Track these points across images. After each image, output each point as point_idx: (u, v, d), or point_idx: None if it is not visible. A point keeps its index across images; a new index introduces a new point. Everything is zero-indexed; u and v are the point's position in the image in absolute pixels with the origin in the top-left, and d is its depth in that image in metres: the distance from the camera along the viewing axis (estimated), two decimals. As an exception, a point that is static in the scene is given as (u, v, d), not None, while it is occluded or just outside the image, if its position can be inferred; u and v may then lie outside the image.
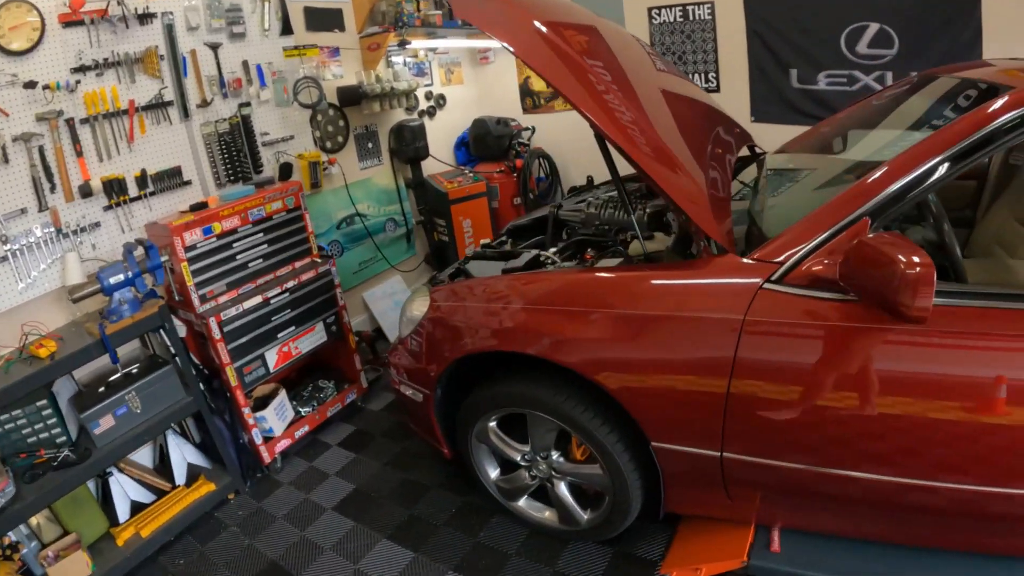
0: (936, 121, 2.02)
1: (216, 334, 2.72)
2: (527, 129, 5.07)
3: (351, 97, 3.88)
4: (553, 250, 2.71)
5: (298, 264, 3.15)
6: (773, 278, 1.69)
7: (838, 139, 2.68)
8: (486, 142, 4.94)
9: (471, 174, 4.81)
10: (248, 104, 3.32)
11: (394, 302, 4.49)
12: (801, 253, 1.67)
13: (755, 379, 1.71)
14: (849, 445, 1.67)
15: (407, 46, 4.07)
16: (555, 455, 2.28)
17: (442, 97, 4.93)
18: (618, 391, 1.90)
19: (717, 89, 4.45)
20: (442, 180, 4.65)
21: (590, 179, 5.39)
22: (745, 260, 1.75)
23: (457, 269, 2.66)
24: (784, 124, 4.10)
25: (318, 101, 3.49)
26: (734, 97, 4.39)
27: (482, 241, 3.06)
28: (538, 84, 5.17)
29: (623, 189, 2.20)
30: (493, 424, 2.34)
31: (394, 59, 4.29)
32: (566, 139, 5.23)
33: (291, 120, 3.60)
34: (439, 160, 4.82)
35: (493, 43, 5.05)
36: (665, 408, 1.87)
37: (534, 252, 2.57)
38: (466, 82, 5.23)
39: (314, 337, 3.19)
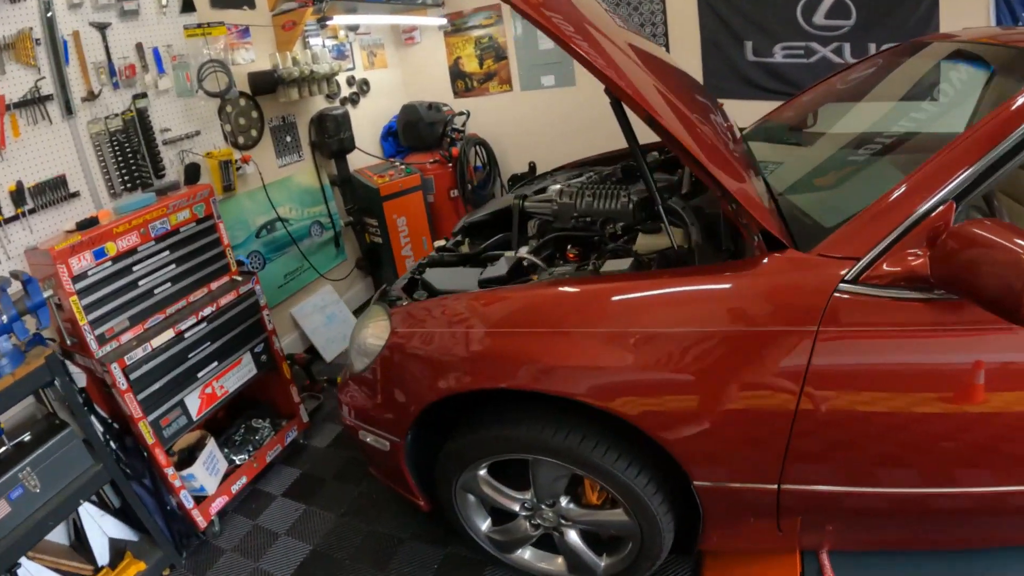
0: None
1: (121, 383, 2.20)
2: (461, 114, 4.69)
3: (265, 84, 3.36)
4: (525, 250, 2.36)
5: (215, 285, 2.65)
6: (849, 277, 1.41)
7: (842, 112, 2.47)
8: (417, 130, 4.52)
9: (403, 166, 4.40)
10: (144, 95, 2.78)
11: (327, 316, 4.02)
12: (883, 246, 1.40)
13: (830, 400, 1.45)
14: (943, 464, 1.49)
15: (327, 23, 3.57)
16: (564, 501, 1.95)
17: (365, 82, 4.47)
18: (654, 428, 1.59)
19: (665, 65, 4.22)
20: (371, 175, 4.21)
21: (532, 165, 5.10)
22: (810, 257, 1.47)
23: (412, 280, 2.27)
24: (739, 99, 3.95)
25: (227, 89, 2.96)
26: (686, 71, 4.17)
27: (437, 243, 2.66)
28: (470, 65, 4.79)
29: (646, 167, 1.83)
30: (483, 473, 1.98)
31: (312, 40, 3.78)
32: (503, 123, 4.91)
33: (196, 113, 3.06)
34: (366, 153, 4.36)
35: (419, 20, 4.62)
36: (713, 443, 1.58)
37: (512, 256, 2.21)
38: (390, 65, 4.81)
39: (241, 371, 2.71)
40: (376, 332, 1.94)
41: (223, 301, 2.60)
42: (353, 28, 4.21)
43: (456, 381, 1.76)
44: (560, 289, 1.71)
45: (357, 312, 4.39)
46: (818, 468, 1.57)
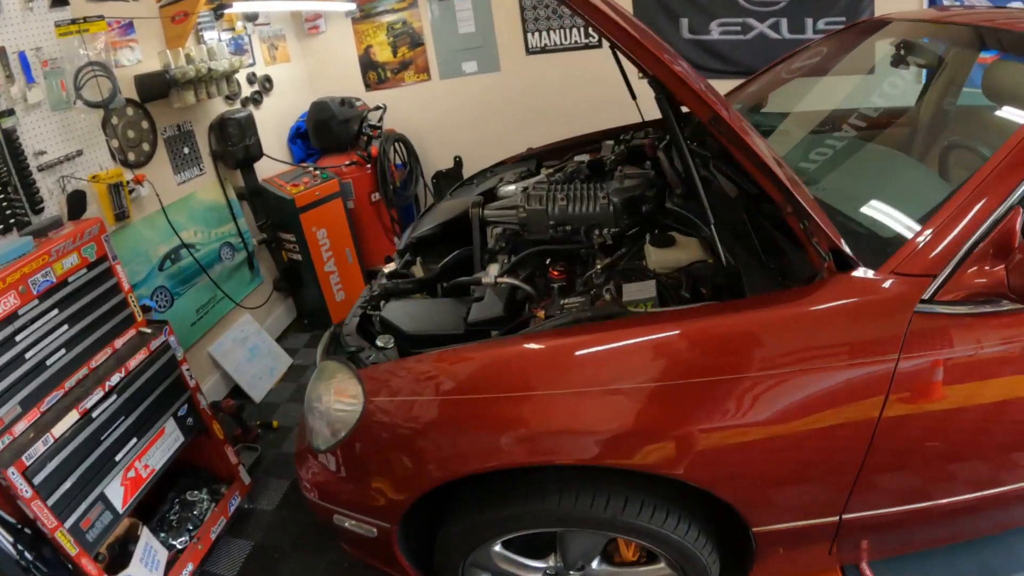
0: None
1: (24, 490, 1.72)
2: (377, 108, 4.27)
3: (156, 87, 2.83)
4: (494, 270, 2.06)
5: (120, 343, 2.16)
6: (926, 297, 1.29)
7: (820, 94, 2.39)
8: (330, 129, 4.09)
9: (318, 171, 3.96)
10: (11, 112, 2.21)
11: (249, 350, 3.55)
12: (956, 260, 1.30)
13: (906, 429, 1.37)
14: (1000, 469, 1.51)
15: (224, 12, 3.07)
16: (596, 563, 1.72)
17: (268, 79, 3.97)
18: (718, 486, 1.42)
19: (599, 44, 4.01)
20: (283, 184, 3.76)
21: (457, 160, 4.77)
22: (887, 277, 1.33)
23: (365, 316, 1.93)
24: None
25: (111, 97, 2.43)
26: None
27: (386, 269, 2.27)
28: (382, 54, 4.38)
29: (686, 153, 1.53)
30: (499, 548, 1.70)
31: (207, 34, 3.25)
32: (422, 116, 4.57)
33: (76, 128, 2.51)
34: (275, 159, 3.89)
35: (323, 6, 4.15)
36: (780, 491, 1.45)
37: (499, 284, 1.90)
38: (294, 58, 4.33)
39: (167, 443, 2.26)
40: (344, 399, 1.56)
41: (133, 363, 2.13)
42: (252, 18, 3.69)
43: (462, 463, 1.46)
44: (605, 345, 1.42)
45: (281, 340, 3.93)
46: (883, 495, 1.49)
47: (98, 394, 1.99)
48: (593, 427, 1.36)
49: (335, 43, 4.45)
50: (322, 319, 4.05)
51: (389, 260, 2.42)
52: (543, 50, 4.22)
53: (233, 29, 3.52)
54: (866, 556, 1.75)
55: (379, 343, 1.72)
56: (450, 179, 4.83)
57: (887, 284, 1.32)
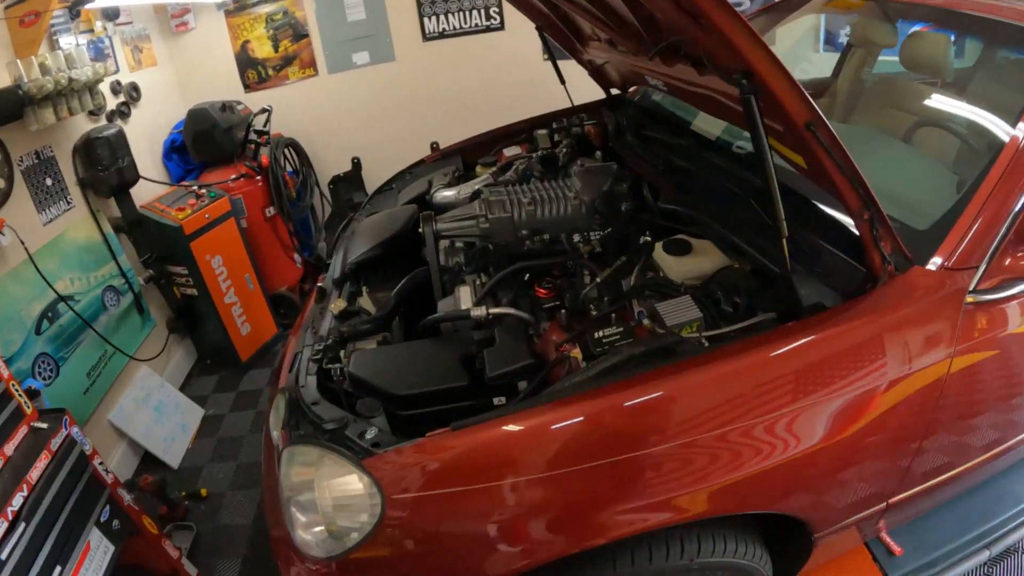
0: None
1: None
2: (264, 111, 3.79)
3: (7, 107, 2.27)
4: (467, 294, 1.82)
5: (10, 448, 1.69)
6: (972, 287, 1.35)
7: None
8: (212, 139, 3.59)
9: (203, 190, 3.46)
10: None
11: (154, 409, 3.07)
12: (993, 248, 1.36)
13: (956, 411, 1.45)
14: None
15: (80, 8, 2.53)
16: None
17: (135, 88, 3.43)
18: (793, 509, 1.39)
19: (501, 26, 3.82)
20: (166, 209, 3.26)
21: (356, 162, 4.39)
22: (941, 272, 1.35)
23: (321, 370, 1.61)
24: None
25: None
26: (522, 35, 3.84)
27: (334, 309, 1.88)
28: (262, 49, 3.91)
29: (769, 162, 1.26)
30: None
31: (62, 39, 2.68)
32: (311, 116, 4.22)
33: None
34: (153, 181, 3.34)
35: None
36: (843, 490, 1.43)
37: (494, 314, 1.65)
38: (162, 62, 3.82)
39: (96, 558, 1.84)
40: (349, 500, 1.25)
41: (35, 473, 1.67)
42: (112, 16, 3.12)
43: (529, 555, 1.23)
44: (704, 387, 1.26)
45: (186, 388, 3.45)
46: (923, 475, 1.54)
47: (1, 525, 1.54)
48: (708, 478, 1.23)
49: (207, 40, 3.99)
50: (228, 357, 3.59)
51: (322, 293, 2.04)
52: (442, 35, 3.97)
53: (92, 31, 2.94)
54: (885, 527, 1.78)
55: (359, 410, 1.39)
56: (350, 184, 4.47)
57: (941, 280, 1.34)
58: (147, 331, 3.25)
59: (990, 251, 1.35)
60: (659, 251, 1.78)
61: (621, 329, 1.53)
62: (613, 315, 1.64)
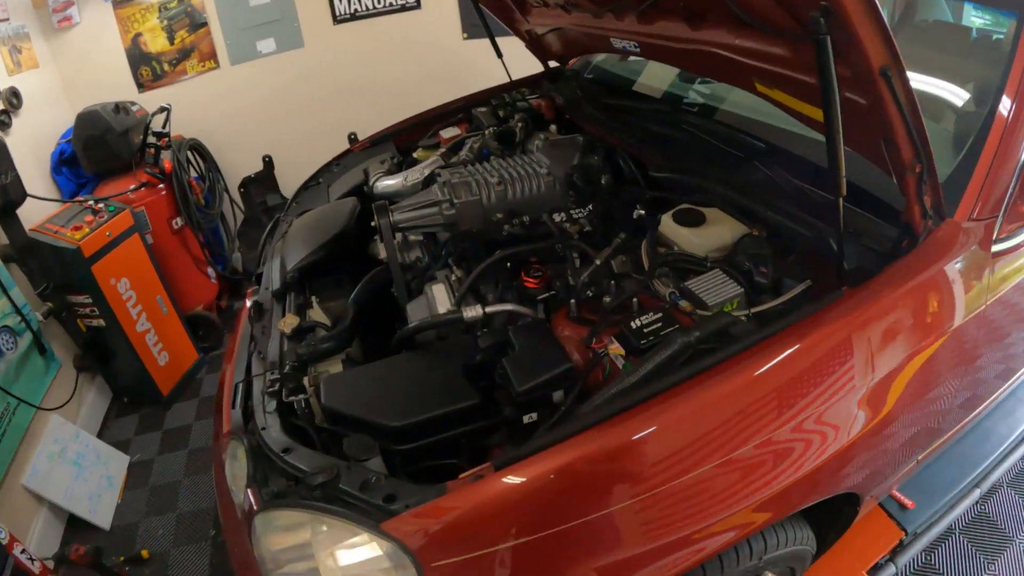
0: None
1: None
2: (162, 110, 3.40)
3: None
4: (442, 293, 1.66)
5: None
6: (995, 236, 1.40)
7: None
8: (107, 146, 3.22)
9: (100, 204, 3.06)
10: None
11: (73, 464, 2.70)
12: (1008, 197, 1.40)
13: (984, 357, 1.53)
14: None
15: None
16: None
17: (15, 94, 3.03)
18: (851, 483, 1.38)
19: (417, 5, 3.62)
20: (60, 230, 2.87)
21: (268, 160, 4.06)
22: (972, 224, 1.37)
23: (282, 404, 1.39)
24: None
25: None
26: (440, 13, 3.72)
27: (285, 328, 1.61)
28: (156, 43, 3.52)
29: (838, 118, 1.11)
30: None
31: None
32: (214, 113, 3.94)
33: None
34: (42, 198, 2.91)
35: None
36: (894, 459, 1.47)
37: (491, 312, 1.49)
38: (44, 63, 3.43)
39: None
40: (367, 571, 1.05)
41: None
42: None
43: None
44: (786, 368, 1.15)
45: (104, 434, 3.08)
46: (952, 423, 1.62)
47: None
48: (797, 468, 1.17)
49: (94, 36, 3.61)
50: (147, 392, 3.23)
51: (259, 309, 1.78)
52: (353, 16, 3.75)
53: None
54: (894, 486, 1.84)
55: (353, 453, 1.17)
56: (262, 185, 4.14)
57: (973, 231, 1.36)
58: (52, 374, 2.83)
59: (1007, 199, 1.38)
60: (668, 224, 1.65)
61: (660, 315, 1.39)
62: (635, 300, 1.49)
